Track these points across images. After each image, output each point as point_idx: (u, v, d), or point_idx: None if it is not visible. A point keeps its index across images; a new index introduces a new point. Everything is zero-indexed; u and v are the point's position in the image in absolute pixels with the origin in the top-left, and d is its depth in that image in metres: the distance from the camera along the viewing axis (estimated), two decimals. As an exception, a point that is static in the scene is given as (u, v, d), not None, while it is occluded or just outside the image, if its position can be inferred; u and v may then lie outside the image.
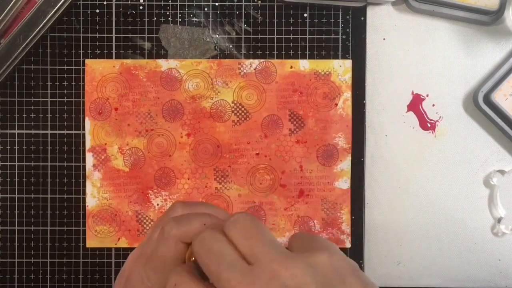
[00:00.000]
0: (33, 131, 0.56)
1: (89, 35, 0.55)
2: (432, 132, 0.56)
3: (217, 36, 0.56)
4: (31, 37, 0.53)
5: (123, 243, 0.56)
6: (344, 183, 0.56)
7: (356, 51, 0.56)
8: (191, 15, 0.56)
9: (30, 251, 0.55)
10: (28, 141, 0.56)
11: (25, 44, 0.53)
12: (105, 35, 0.55)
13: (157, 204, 0.56)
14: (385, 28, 0.56)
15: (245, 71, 0.56)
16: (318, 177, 0.56)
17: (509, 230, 0.56)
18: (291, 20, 0.56)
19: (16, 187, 0.56)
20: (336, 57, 0.56)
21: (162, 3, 0.55)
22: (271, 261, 0.27)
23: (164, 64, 0.55)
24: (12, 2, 0.52)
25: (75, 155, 0.56)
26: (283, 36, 0.56)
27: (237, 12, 0.56)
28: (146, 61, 0.55)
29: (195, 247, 0.29)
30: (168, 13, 0.56)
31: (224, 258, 0.28)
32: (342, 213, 0.56)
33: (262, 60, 0.56)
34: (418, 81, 0.56)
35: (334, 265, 0.27)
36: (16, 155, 0.56)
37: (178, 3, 0.56)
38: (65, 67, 0.55)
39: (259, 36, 0.56)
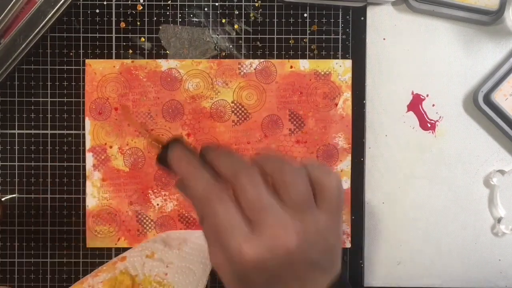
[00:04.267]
0: (33, 131, 0.56)
1: (89, 35, 0.55)
2: (432, 132, 0.56)
3: (217, 36, 0.56)
4: (31, 37, 0.53)
5: (123, 243, 0.56)
6: (344, 183, 0.56)
7: (356, 51, 0.56)
8: (191, 15, 0.56)
9: (30, 251, 0.55)
10: (28, 141, 0.56)
11: (25, 44, 0.53)
12: (105, 35, 0.55)
13: (157, 204, 0.56)
14: (385, 28, 0.56)
15: (245, 71, 0.56)
16: None
17: (509, 230, 0.56)
18: (291, 20, 0.56)
19: (16, 187, 0.56)
20: (336, 57, 0.56)
21: (162, 3, 0.55)
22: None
23: (164, 64, 0.55)
24: (12, 2, 0.52)
25: (75, 155, 0.56)
26: (283, 36, 0.56)
27: (237, 12, 0.56)
28: (146, 61, 0.55)
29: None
30: (168, 13, 0.56)
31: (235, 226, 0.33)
32: (342, 213, 0.56)
33: (262, 60, 0.56)
34: (418, 81, 0.56)
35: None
36: (16, 155, 0.56)
37: (178, 3, 0.56)
38: (65, 67, 0.55)
39: (259, 36, 0.56)
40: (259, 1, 0.55)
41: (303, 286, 0.34)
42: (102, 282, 0.53)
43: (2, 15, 0.52)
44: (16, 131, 0.56)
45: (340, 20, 0.56)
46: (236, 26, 0.56)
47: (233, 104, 0.56)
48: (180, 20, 0.56)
